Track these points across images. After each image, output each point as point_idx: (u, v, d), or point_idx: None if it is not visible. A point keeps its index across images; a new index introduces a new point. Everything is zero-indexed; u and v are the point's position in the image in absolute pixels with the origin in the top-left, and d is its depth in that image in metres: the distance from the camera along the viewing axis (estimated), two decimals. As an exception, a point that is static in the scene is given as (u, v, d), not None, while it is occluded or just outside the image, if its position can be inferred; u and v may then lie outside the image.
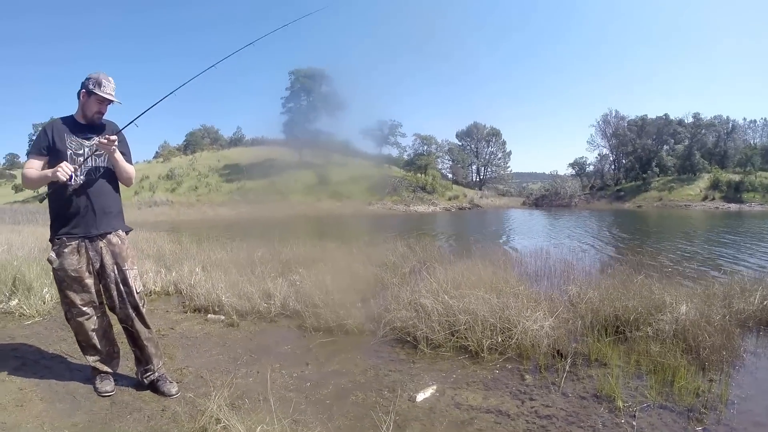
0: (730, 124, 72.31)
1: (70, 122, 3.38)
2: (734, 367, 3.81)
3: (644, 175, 68.65)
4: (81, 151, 3.29)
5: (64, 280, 3.24)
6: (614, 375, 3.35)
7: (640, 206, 59.22)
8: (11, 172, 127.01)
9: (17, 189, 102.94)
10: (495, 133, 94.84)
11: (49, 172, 3.10)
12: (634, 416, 2.97)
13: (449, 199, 67.83)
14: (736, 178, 60.08)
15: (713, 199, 58.09)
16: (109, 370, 3.47)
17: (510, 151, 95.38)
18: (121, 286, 3.33)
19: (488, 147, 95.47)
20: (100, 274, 3.32)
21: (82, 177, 3.24)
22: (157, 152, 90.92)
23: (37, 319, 5.26)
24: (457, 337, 4.12)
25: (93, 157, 3.31)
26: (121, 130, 3.43)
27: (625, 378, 3.46)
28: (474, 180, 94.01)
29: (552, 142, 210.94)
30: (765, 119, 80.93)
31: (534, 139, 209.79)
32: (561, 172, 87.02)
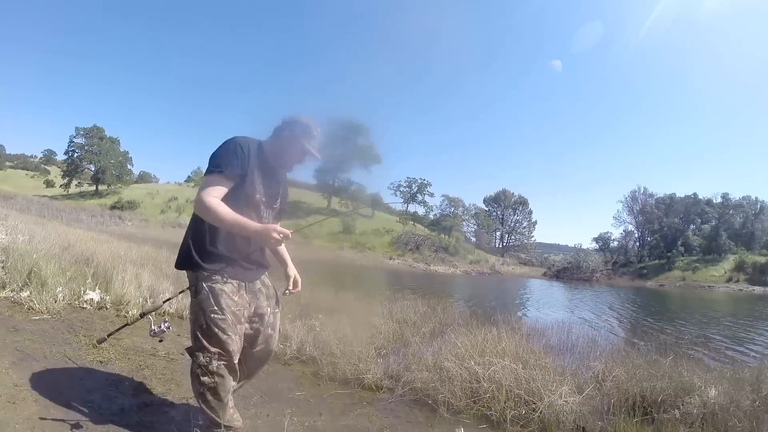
0: (759, 205, 72.58)
1: (263, 158, 2.80)
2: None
3: (669, 254, 68.53)
4: (263, 199, 2.79)
5: (223, 322, 2.62)
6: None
7: (663, 285, 58.85)
8: (46, 167, 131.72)
9: (48, 184, 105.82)
10: (522, 202, 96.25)
11: (260, 229, 2.51)
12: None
13: (470, 263, 68.49)
14: (762, 260, 59.75)
15: (737, 281, 57.97)
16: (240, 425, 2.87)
17: (536, 220, 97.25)
18: (269, 330, 2.97)
19: (514, 215, 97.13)
20: (250, 318, 2.86)
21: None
22: (189, 176, 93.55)
23: (45, 316, 5.08)
24: (479, 405, 3.89)
25: (267, 203, 2.84)
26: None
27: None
28: (497, 246, 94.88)
29: (578, 216, 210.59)
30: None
31: (560, 210, 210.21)
32: (585, 246, 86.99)
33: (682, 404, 4.09)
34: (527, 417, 3.78)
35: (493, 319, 8.33)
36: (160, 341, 2.84)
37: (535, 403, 3.85)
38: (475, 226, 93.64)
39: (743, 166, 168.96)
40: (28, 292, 5.56)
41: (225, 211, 2.49)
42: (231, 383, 2.73)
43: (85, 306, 5.82)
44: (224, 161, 2.62)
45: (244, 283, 2.75)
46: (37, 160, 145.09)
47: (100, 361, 4.02)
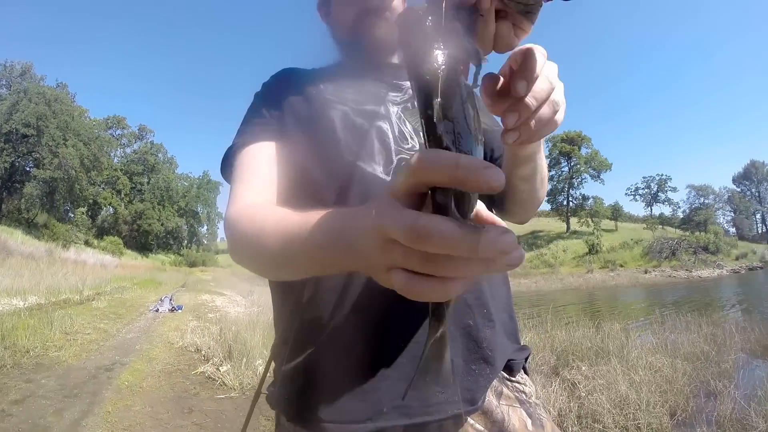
0: None
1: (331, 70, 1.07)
2: None
3: None
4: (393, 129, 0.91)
5: None
6: None
7: None
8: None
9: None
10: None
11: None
12: None
13: (736, 259, 57.54)
14: None
15: None
16: None
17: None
18: None
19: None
20: None
21: None
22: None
23: (233, 394, 4.51)
24: None
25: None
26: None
27: None
28: (759, 231, 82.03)
29: None
30: None
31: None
32: None
33: None
34: None
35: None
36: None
37: None
38: (732, 214, 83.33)
39: None
40: (228, 366, 5.18)
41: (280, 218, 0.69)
42: None
43: (293, 377, 5.12)
44: (250, 117, 0.98)
45: None
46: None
47: (267, 460, 3.09)
